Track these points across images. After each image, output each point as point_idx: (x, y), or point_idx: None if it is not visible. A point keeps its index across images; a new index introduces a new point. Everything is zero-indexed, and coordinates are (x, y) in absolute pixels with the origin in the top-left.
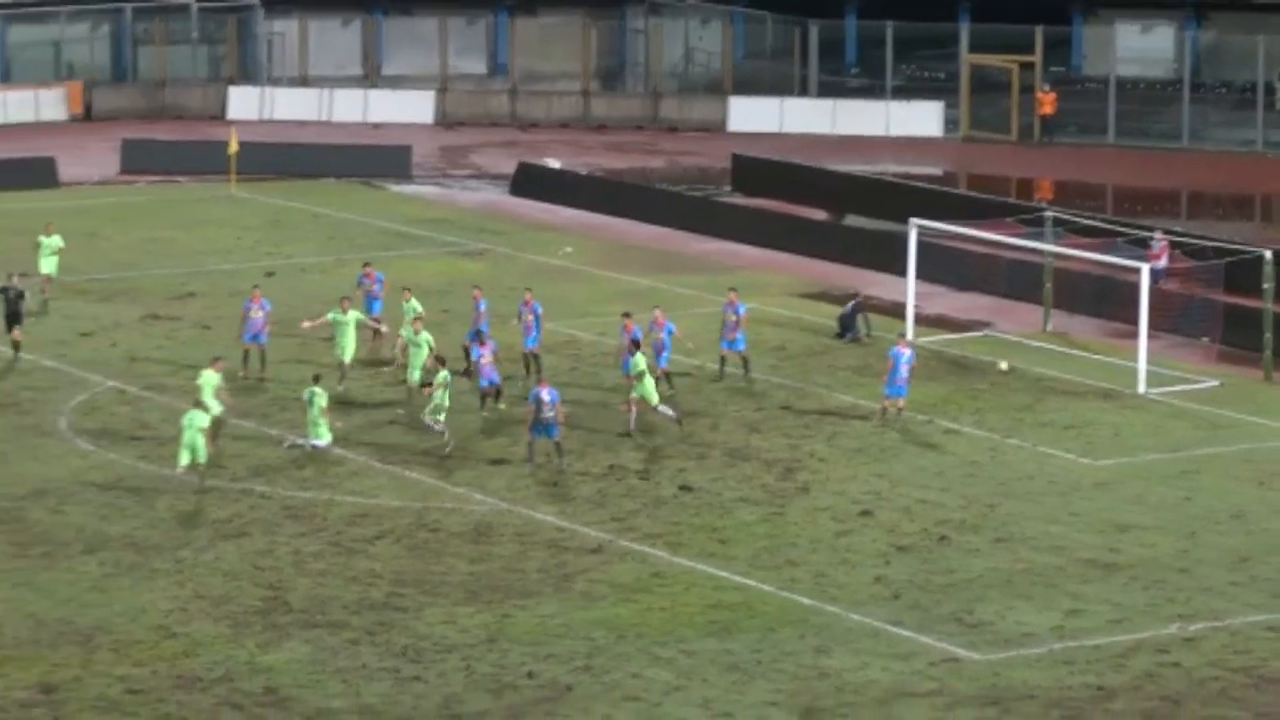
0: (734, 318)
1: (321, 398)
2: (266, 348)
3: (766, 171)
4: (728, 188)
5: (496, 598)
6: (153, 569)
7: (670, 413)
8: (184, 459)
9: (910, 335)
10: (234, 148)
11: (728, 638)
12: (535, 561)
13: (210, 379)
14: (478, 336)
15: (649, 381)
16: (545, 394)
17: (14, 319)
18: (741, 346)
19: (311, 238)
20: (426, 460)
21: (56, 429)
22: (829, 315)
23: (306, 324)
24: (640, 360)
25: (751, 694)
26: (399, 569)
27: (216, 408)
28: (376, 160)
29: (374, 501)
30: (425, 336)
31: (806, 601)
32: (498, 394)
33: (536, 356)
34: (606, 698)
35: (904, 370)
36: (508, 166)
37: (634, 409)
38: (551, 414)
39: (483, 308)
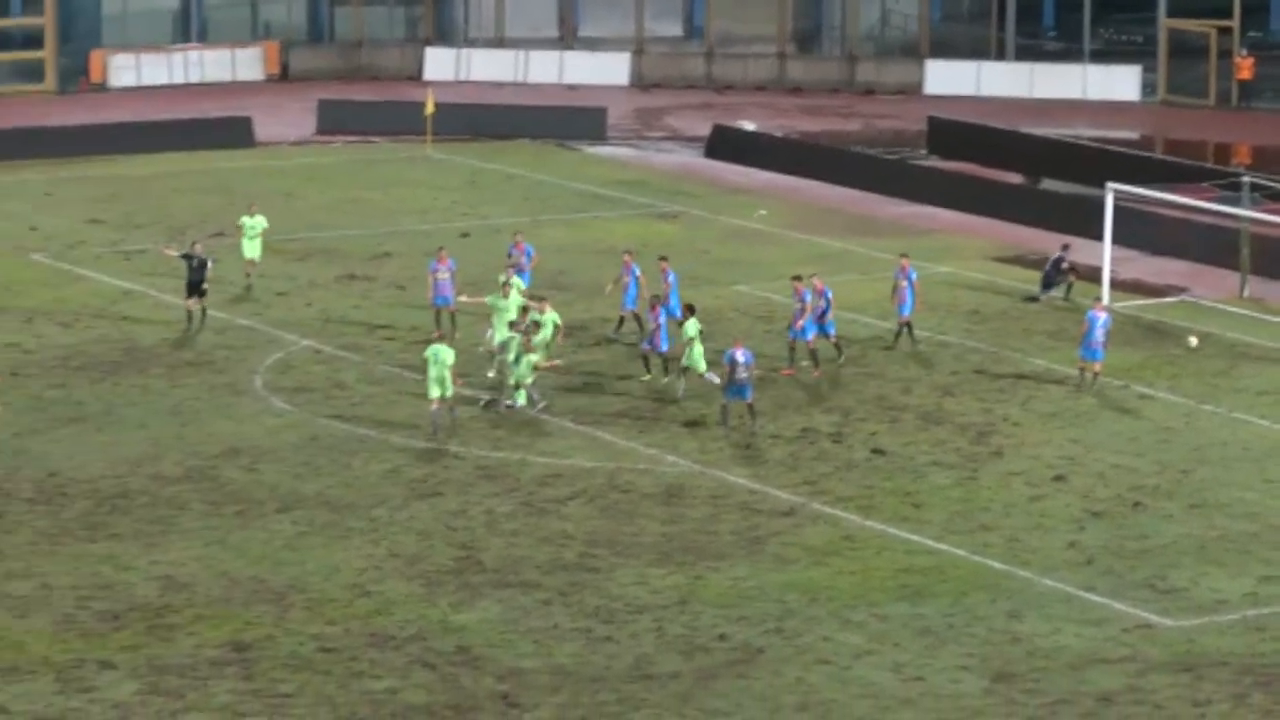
0: (904, 283)
1: (525, 360)
2: (455, 309)
3: (962, 134)
4: (923, 151)
5: (689, 559)
6: (347, 528)
7: (715, 379)
8: (434, 392)
9: (1106, 300)
10: (430, 109)
11: (919, 602)
12: (727, 524)
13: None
14: (657, 303)
15: (698, 349)
16: (740, 355)
17: (195, 288)
18: (907, 312)
19: (507, 199)
20: (620, 421)
21: (251, 388)
22: (1024, 280)
23: (464, 298)
24: (690, 326)
25: (943, 658)
26: (591, 530)
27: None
28: (572, 122)
29: (567, 462)
30: (551, 315)
31: (999, 566)
32: (665, 364)
33: (637, 317)
34: (798, 660)
35: (1099, 334)
36: (703, 129)
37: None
38: (746, 375)
39: (671, 279)
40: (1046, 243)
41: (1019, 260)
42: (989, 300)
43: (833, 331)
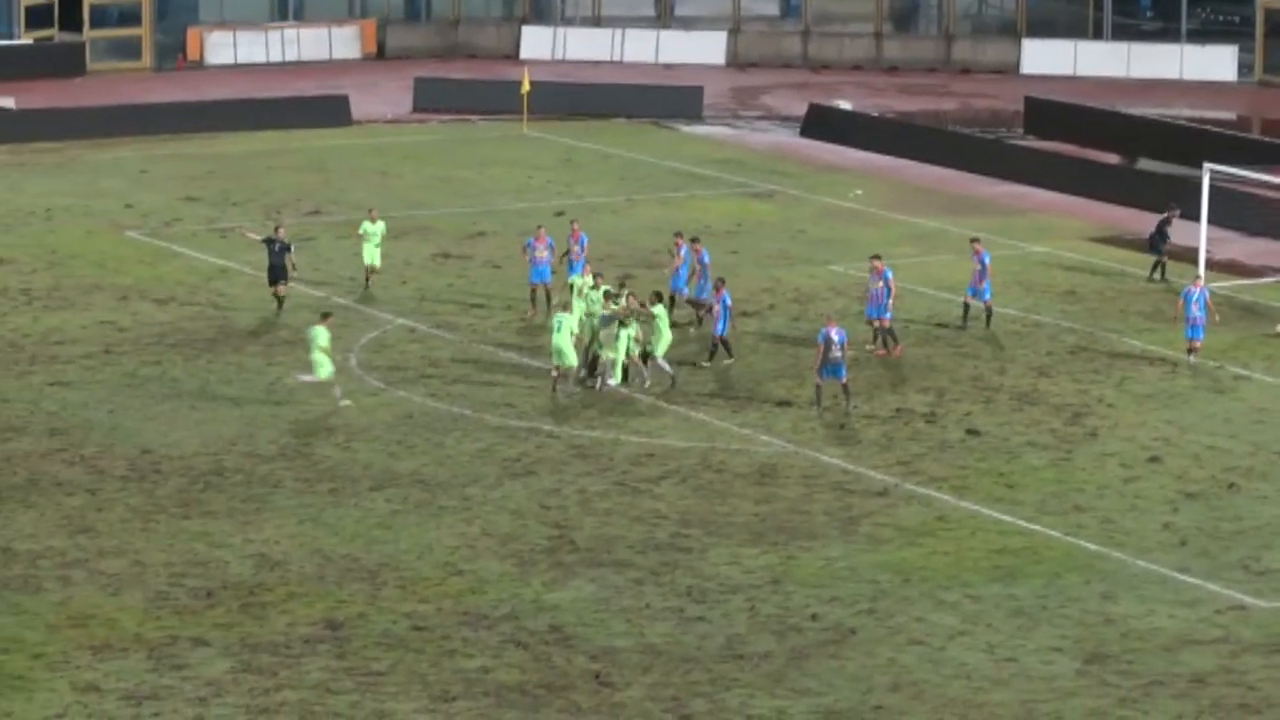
0: (979, 267)
1: (624, 335)
2: (551, 286)
3: (1059, 114)
4: (1020, 130)
5: (781, 539)
6: (440, 506)
7: (667, 369)
8: (569, 360)
9: (1202, 281)
10: (526, 87)
11: (1013, 583)
12: (820, 504)
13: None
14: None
15: (664, 333)
16: (834, 334)
17: (277, 273)
18: (988, 296)
19: (602, 178)
20: (713, 401)
21: (346, 366)
22: (1121, 260)
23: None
24: (658, 310)
25: (1036, 639)
26: (684, 509)
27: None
28: (668, 101)
29: (660, 442)
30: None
31: (1093, 547)
32: (715, 348)
33: (671, 299)
34: (891, 641)
35: (1195, 310)
36: (799, 108)
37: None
38: (839, 354)
39: (706, 259)
40: (1143, 223)
41: (1115, 240)
42: (1085, 280)
43: (889, 316)
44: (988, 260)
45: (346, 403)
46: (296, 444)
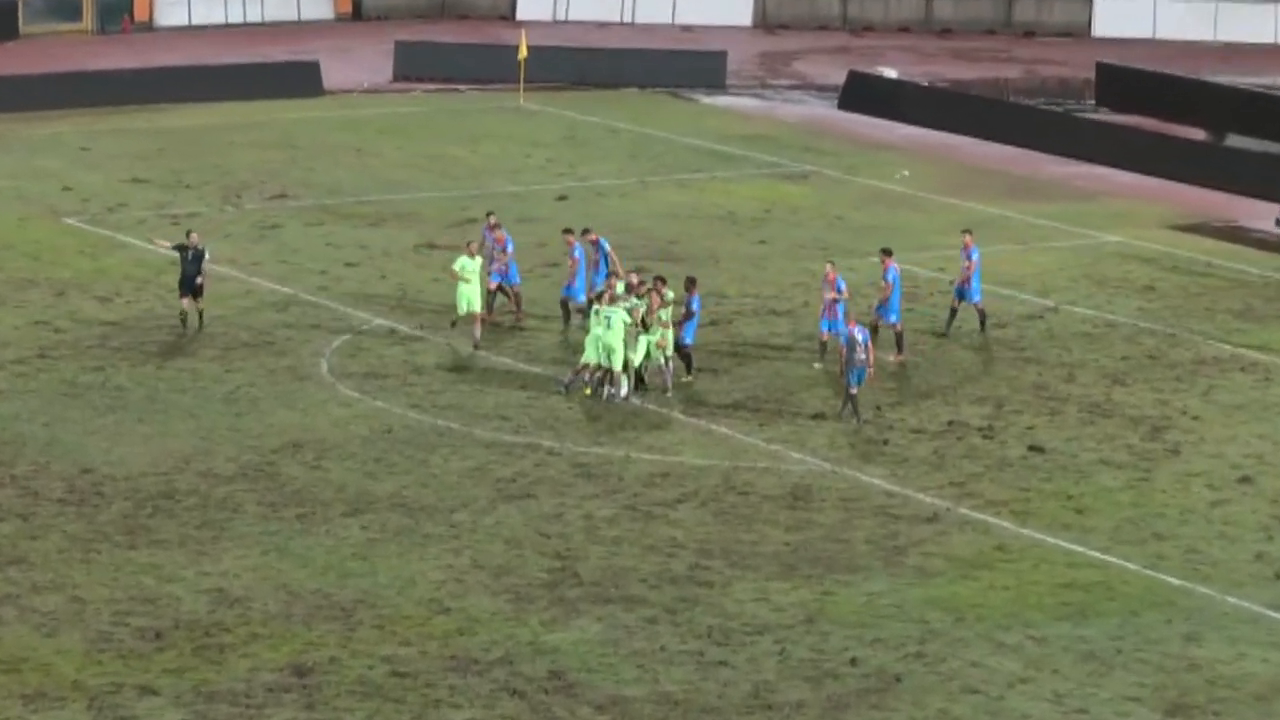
0: (967, 263)
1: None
2: (518, 289)
3: (1136, 83)
4: (1091, 102)
5: (816, 572)
6: (424, 534)
7: (619, 390)
8: (618, 361)
9: None
10: (524, 53)
11: (1083, 622)
12: (861, 531)
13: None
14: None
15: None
16: (858, 334)
17: (189, 284)
18: (977, 298)
19: (611, 156)
20: (737, 413)
21: (317, 373)
22: (1207, 251)
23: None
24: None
25: (1110, 687)
26: (704, 537)
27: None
28: (686, 68)
29: (676, 460)
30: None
31: (1175, 581)
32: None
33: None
34: (942, 690)
35: None
36: (837, 76)
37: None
38: (864, 356)
39: (606, 247)
40: (1232, 209)
41: (1200, 229)
42: (1165, 275)
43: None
44: (976, 256)
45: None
46: (259, 462)
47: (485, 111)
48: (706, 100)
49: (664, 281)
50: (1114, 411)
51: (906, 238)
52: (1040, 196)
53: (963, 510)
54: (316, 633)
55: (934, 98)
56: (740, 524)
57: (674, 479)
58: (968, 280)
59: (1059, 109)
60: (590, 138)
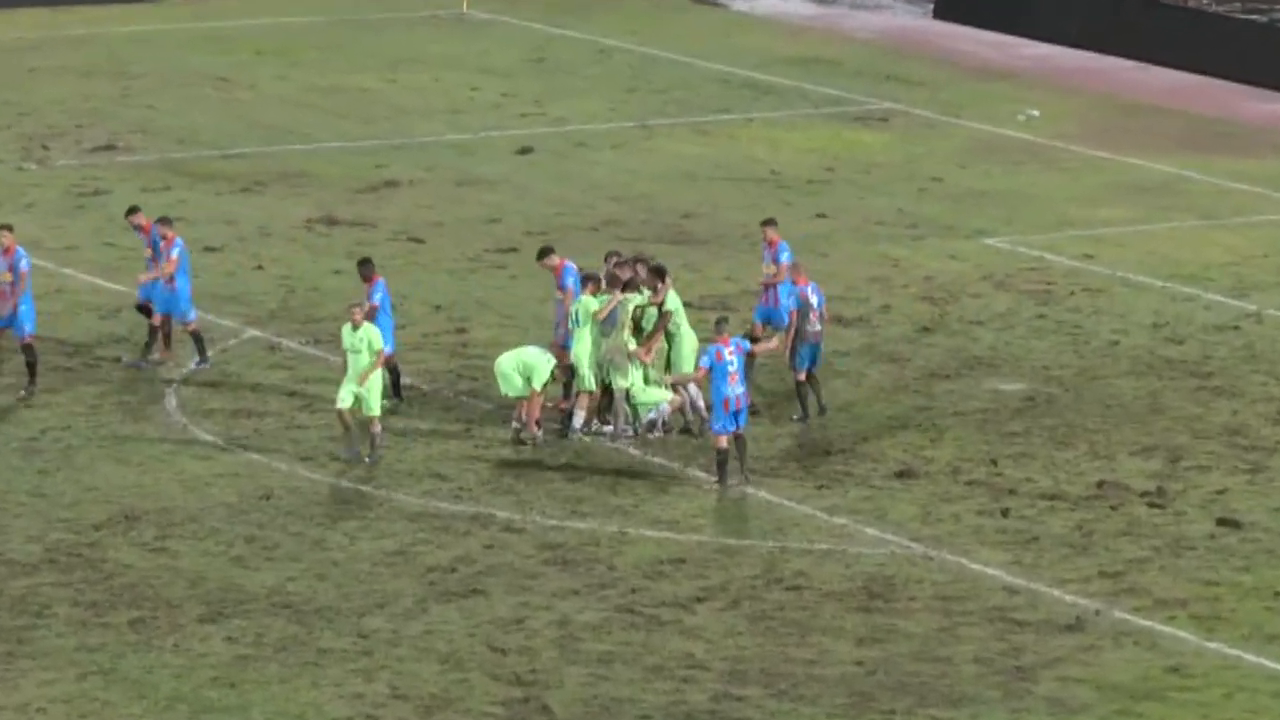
0: (771, 269)
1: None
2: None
3: None
4: None
5: (903, 705)
6: (320, 649)
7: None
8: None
9: None
10: None
11: None
12: (969, 645)
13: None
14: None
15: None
16: (811, 294)
17: None
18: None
19: (597, 88)
20: (784, 469)
21: (162, 409)
22: None
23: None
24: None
25: None
26: (736, 654)
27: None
28: None
29: (695, 539)
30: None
31: None
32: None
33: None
34: None
35: None
36: None
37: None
38: (819, 327)
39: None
40: None
41: None
42: None
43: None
44: (787, 258)
45: None
46: (75, 543)
47: (412, 23)
48: (739, 7)
49: (661, 274)
50: None
51: (1038, 208)
52: (1236, 148)
53: (1120, 614)
54: None
55: (1074, 1)
56: (790, 634)
57: (691, 567)
58: (774, 297)
59: (1263, 19)
60: (567, 61)
